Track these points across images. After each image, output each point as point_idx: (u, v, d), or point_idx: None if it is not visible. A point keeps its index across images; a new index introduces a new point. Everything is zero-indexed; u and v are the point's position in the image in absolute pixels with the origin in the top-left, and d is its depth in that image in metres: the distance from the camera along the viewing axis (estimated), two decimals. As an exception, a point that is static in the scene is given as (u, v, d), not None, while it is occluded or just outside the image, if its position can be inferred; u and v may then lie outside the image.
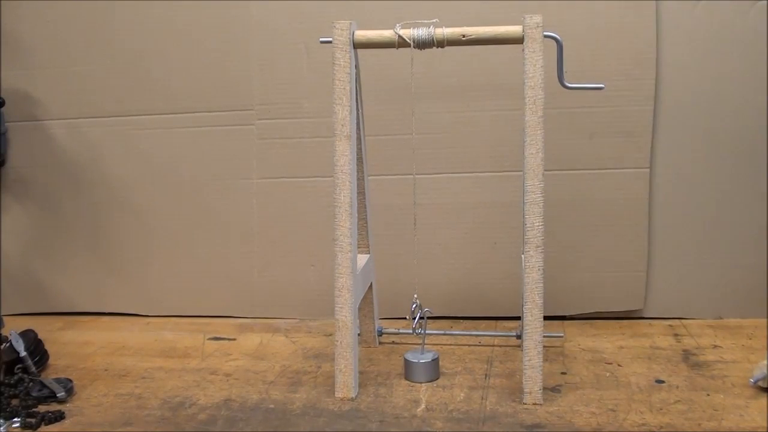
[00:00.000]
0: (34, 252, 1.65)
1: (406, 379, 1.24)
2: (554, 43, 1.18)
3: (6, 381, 1.21)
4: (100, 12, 1.56)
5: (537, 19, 1.12)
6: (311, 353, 1.38)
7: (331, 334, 1.45)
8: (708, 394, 1.15)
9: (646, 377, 1.22)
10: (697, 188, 1.47)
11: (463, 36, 1.15)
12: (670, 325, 1.47)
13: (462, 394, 1.17)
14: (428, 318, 1.27)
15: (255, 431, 1.07)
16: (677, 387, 1.18)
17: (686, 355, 1.31)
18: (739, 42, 1.41)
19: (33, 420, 1.09)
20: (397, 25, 1.16)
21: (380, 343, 1.41)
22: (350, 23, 1.16)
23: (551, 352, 1.33)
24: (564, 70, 1.20)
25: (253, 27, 1.52)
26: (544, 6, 1.40)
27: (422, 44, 1.16)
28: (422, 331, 1.27)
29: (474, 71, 1.46)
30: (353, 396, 1.17)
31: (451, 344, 1.39)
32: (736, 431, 1.03)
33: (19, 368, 1.26)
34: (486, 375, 1.25)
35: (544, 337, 1.14)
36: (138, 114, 1.58)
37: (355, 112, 1.19)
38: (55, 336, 1.50)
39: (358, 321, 1.25)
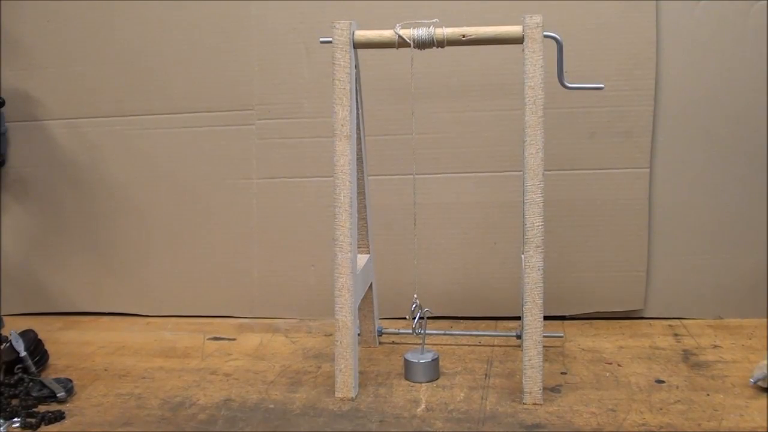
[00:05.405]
0: (34, 252, 1.65)
1: (406, 379, 1.24)
2: (554, 43, 1.18)
3: (6, 381, 1.21)
4: (99, 12, 1.56)
5: (537, 19, 1.12)
6: (311, 353, 1.38)
7: (331, 334, 1.45)
8: (708, 394, 1.15)
9: (646, 377, 1.22)
10: (697, 188, 1.47)
11: (463, 36, 1.15)
12: (670, 325, 1.46)
13: (462, 394, 1.17)
14: (428, 318, 1.27)
15: (255, 431, 1.07)
16: (677, 387, 1.18)
17: (686, 355, 1.31)
18: (739, 42, 1.41)
19: (33, 420, 1.09)
20: (397, 25, 1.16)
21: (380, 343, 1.41)
22: (350, 23, 1.16)
23: (551, 352, 1.33)
24: (564, 70, 1.20)
25: (253, 27, 1.52)
26: (544, 6, 1.40)
27: (422, 44, 1.16)
28: (422, 331, 1.27)
29: (474, 71, 1.46)
30: (353, 396, 1.17)
31: (451, 344, 1.39)
32: (736, 431, 1.03)
33: (19, 368, 1.26)
34: (486, 375, 1.25)
35: (544, 337, 1.14)
36: (138, 114, 1.58)
37: (355, 112, 1.19)
38: (55, 336, 1.50)
39: (358, 321, 1.25)
